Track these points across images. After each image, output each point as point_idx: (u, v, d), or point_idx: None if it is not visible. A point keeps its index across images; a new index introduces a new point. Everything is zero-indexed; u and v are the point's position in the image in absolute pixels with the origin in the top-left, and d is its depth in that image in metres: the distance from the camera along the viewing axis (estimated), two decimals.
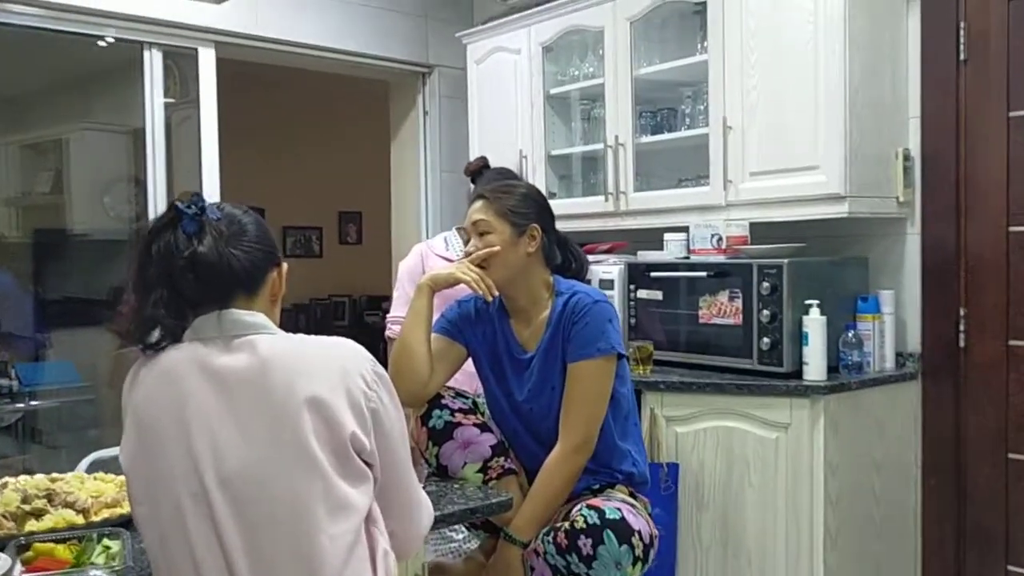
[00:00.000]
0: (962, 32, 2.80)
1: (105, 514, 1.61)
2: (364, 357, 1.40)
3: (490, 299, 2.13)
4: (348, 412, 1.32)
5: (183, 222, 1.35)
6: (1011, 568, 2.75)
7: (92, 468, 2.11)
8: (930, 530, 2.93)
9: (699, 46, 3.20)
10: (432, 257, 3.10)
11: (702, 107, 3.21)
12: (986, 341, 2.79)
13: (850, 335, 2.81)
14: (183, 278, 1.34)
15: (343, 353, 1.39)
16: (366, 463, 1.35)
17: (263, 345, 1.35)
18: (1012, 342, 2.73)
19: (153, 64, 3.58)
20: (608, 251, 3.40)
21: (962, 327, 2.84)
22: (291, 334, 1.41)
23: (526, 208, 2.14)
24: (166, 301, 1.35)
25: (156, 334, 1.37)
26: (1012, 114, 2.70)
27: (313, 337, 1.42)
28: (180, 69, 3.75)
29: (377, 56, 4.20)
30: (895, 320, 2.93)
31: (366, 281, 7.64)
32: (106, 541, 1.47)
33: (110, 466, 2.01)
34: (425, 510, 1.53)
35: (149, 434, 1.33)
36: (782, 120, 2.87)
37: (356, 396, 1.34)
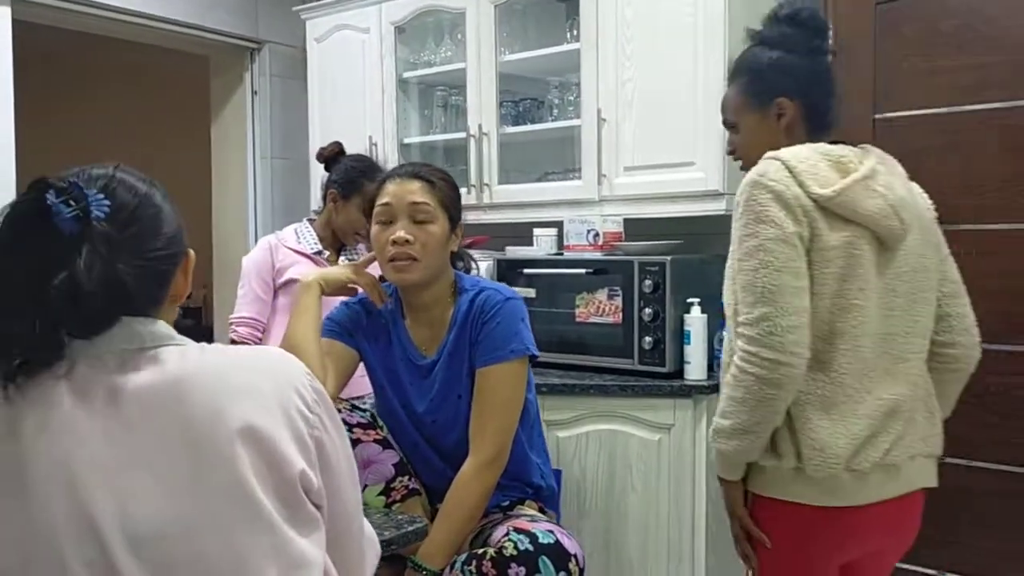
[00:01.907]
0: (829, 33, 2.82)
1: None
2: (299, 370, 1.12)
3: (380, 305, 1.95)
4: (292, 443, 1.04)
5: (57, 220, 0.99)
6: None
7: None
8: None
9: (568, 35, 3.08)
10: (283, 251, 2.80)
11: (571, 98, 3.10)
12: None
13: (724, 333, 2.78)
14: (55, 305, 0.99)
15: (275, 366, 1.11)
16: (315, 505, 1.09)
17: (173, 360, 1.04)
18: None
19: None
20: (469, 246, 3.21)
21: None
22: (204, 344, 1.12)
23: (458, 202, 1.94)
24: (31, 321, 0.99)
25: (14, 360, 1.01)
26: (877, 116, 2.77)
27: (232, 347, 1.13)
28: None
29: (198, 26, 3.79)
30: None
31: None
32: None
33: None
34: (372, 549, 1.27)
35: (12, 488, 0.99)
36: (659, 114, 2.80)
37: (296, 422, 1.06)
